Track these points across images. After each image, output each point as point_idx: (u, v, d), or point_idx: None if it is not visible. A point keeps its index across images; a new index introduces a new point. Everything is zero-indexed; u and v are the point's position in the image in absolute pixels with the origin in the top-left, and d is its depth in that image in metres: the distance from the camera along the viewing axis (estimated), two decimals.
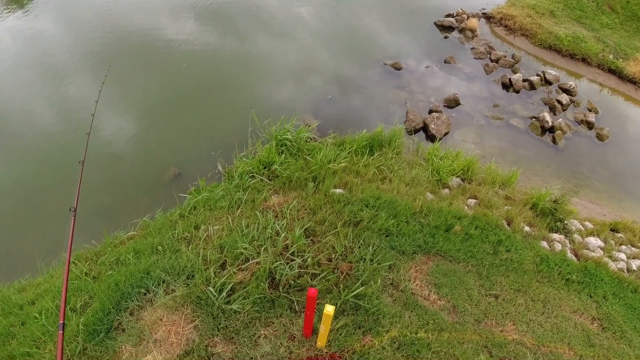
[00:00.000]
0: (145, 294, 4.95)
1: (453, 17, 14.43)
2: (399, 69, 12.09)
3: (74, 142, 9.15)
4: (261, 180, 7.19)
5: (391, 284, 5.43)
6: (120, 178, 8.60)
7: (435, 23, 14.30)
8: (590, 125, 11.50)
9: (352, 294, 4.95)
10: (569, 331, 5.72)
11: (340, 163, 7.52)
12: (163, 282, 5.02)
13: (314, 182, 7.04)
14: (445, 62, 12.74)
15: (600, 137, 11.35)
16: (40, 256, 6.33)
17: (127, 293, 4.90)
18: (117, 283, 5.04)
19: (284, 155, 7.73)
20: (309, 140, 8.53)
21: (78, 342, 4.32)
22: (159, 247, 5.58)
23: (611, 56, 13.44)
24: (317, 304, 4.58)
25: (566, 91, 12.26)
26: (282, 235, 5.61)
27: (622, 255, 7.65)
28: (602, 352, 5.62)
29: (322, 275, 5.12)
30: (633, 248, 8.15)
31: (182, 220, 6.36)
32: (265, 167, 7.55)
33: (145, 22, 12.65)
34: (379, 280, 5.30)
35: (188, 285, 4.94)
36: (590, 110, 11.95)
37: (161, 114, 10.03)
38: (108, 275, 5.30)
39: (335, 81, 11.36)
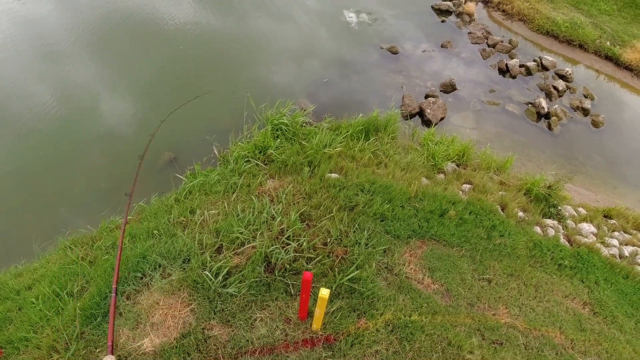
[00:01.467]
0: (141, 278, 4.97)
1: (450, 1, 14.31)
2: (395, 52, 12.02)
3: (70, 125, 9.10)
4: (257, 164, 7.19)
5: (386, 267, 5.48)
6: (114, 161, 8.56)
7: (432, 7, 14.18)
8: (586, 112, 11.52)
9: (347, 277, 4.99)
10: (561, 315, 5.81)
11: (335, 148, 7.53)
12: (159, 267, 5.04)
13: (310, 167, 7.05)
14: (442, 46, 12.67)
15: (595, 124, 11.38)
16: (36, 241, 6.34)
17: (124, 277, 4.91)
18: (114, 267, 5.05)
19: (279, 140, 7.72)
20: (304, 124, 8.51)
21: (75, 326, 4.35)
22: (155, 232, 5.59)
23: (608, 43, 13.41)
24: (312, 287, 4.62)
25: (562, 77, 12.25)
26: (278, 219, 5.63)
27: (615, 242, 7.73)
28: (593, 336, 5.72)
29: (317, 259, 5.15)
30: (625, 234, 8.24)
31: (178, 204, 6.37)
32: (260, 152, 7.54)
33: (142, 3, 12.45)
34: (374, 264, 5.34)
35: (184, 269, 4.96)
36: (586, 97, 11.96)
37: (156, 96, 9.94)
38: (104, 259, 5.32)
39: (331, 64, 11.29)
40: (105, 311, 4.48)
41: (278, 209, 5.90)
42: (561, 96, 11.87)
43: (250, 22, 12.50)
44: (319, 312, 4.01)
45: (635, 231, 8.56)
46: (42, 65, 10.53)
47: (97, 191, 8.09)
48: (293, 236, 5.41)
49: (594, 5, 14.76)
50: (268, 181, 6.77)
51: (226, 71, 10.77)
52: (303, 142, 7.67)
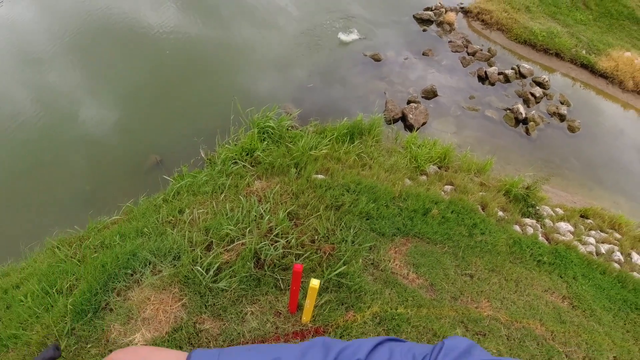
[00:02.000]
0: (132, 275, 5.02)
1: (432, 10, 14.70)
2: (378, 60, 12.29)
3: (53, 126, 9.08)
4: (244, 166, 7.30)
5: (372, 263, 5.63)
6: (100, 164, 8.58)
7: (414, 16, 14.54)
8: (562, 118, 11.93)
9: (335, 272, 5.12)
10: (541, 308, 6.03)
11: (321, 150, 7.68)
12: (149, 263, 5.10)
13: (296, 168, 7.19)
14: (423, 54, 12.99)
15: (571, 129, 11.78)
16: (23, 241, 6.32)
17: (114, 274, 4.96)
18: (104, 265, 5.10)
19: (266, 143, 7.85)
20: (290, 128, 8.66)
21: (66, 323, 4.38)
22: (145, 230, 5.64)
23: (584, 51, 13.92)
24: (302, 281, 4.74)
25: (539, 84, 12.67)
26: (267, 218, 5.74)
27: (592, 240, 8.02)
28: (572, 328, 5.94)
29: (305, 255, 5.28)
30: (602, 233, 8.55)
31: (166, 204, 6.43)
32: (247, 154, 7.66)
33: (127, 7, 12.50)
34: (360, 260, 5.49)
35: (175, 265, 5.03)
36: (562, 103, 12.39)
37: (142, 100, 10.00)
38: (94, 257, 5.35)
39: (315, 70, 11.49)
40: (97, 307, 4.53)
41: (266, 208, 6.02)
42: (538, 102, 12.26)
43: (236, 29, 12.66)
44: (309, 303, 4.13)
45: (611, 230, 8.88)
46: (24, 72, 10.50)
47: (82, 193, 8.08)
48: (281, 234, 5.53)
49: (570, 15, 15.32)
50: (256, 182, 6.88)
51: (212, 76, 10.89)
52: (289, 145, 7.81)
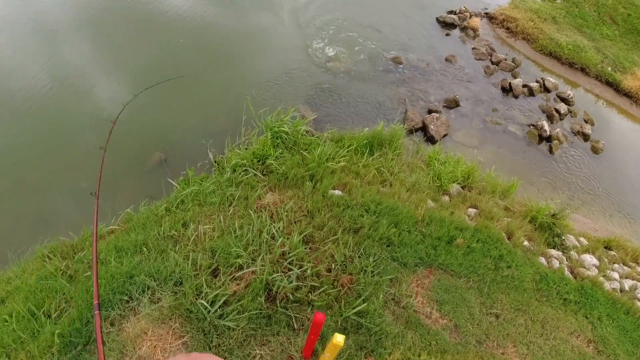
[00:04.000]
0: (128, 302, 4.52)
1: (455, 14, 14.09)
2: (399, 63, 11.72)
3: (43, 123, 8.51)
4: (255, 175, 6.77)
5: (393, 299, 5.13)
6: (100, 159, 8.00)
7: (437, 19, 13.94)
8: (586, 137, 11.39)
9: (354, 310, 4.63)
10: (567, 354, 5.56)
11: (339, 162, 7.16)
12: (148, 289, 4.60)
13: (312, 181, 6.67)
14: (446, 60, 12.41)
15: (595, 150, 11.25)
16: (11, 247, 5.81)
17: (108, 300, 4.46)
18: (98, 287, 4.59)
19: (279, 150, 7.32)
20: (305, 133, 8.12)
21: (53, 354, 3.88)
22: (144, 248, 5.13)
23: (610, 68, 13.35)
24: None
25: (564, 100, 12.12)
26: (279, 240, 5.24)
27: (616, 275, 7.54)
28: None
29: (322, 289, 4.77)
30: (625, 267, 8.07)
31: (169, 215, 5.91)
32: (259, 161, 7.14)
33: None
34: (381, 296, 4.99)
35: (176, 294, 4.53)
36: (586, 122, 11.84)
37: (150, 91, 9.40)
38: (86, 276, 4.84)
39: (331, 70, 10.90)
40: (87, 339, 4.02)
41: (279, 228, 5.51)
42: (562, 119, 11.73)
43: (255, 21, 12.06)
44: (329, 357, 3.63)
45: (634, 264, 8.40)
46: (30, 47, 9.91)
47: (78, 191, 7.52)
48: (296, 260, 5.02)
49: (596, 29, 14.72)
50: (267, 194, 6.36)
51: (227, 69, 10.30)
52: (304, 153, 7.27)
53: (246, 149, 7.45)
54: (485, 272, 6.01)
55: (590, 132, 11.50)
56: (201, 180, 6.77)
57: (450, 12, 14.13)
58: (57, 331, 3.98)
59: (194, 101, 9.24)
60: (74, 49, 10.17)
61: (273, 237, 5.37)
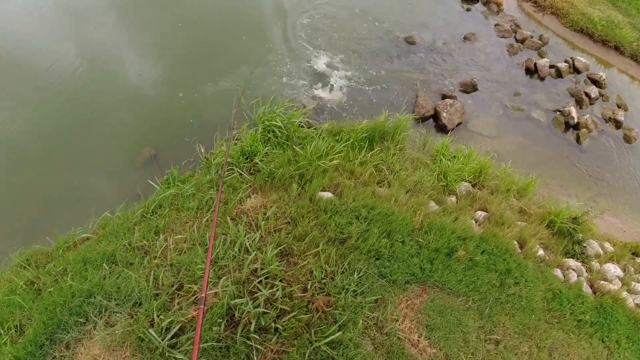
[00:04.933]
0: (84, 324, 4.16)
1: None
2: (412, 43, 10.83)
3: (42, 109, 8.16)
4: (240, 174, 6.25)
5: (375, 324, 4.60)
6: (89, 155, 7.65)
7: None
8: (618, 124, 10.34)
9: (325, 340, 4.13)
10: None
11: (332, 159, 6.55)
12: (105, 310, 4.22)
13: (300, 182, 6.11)
14: (465, 38, 11.42)
15: (627, 139, 10.21)
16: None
17: (64, 322, 4.11)
18: (55, 306, 4.25)
19: (269, 146, 6.76)
20: (302, 125, 7.51)
21: None
22: (110, 262, 4.73)
23: None
24: (282, 354, 3.77)
25: (595, 82, 11.01)
26: (252, 255, 4.74)
27: None
28: None
29: (292, 314, 4.27)
30: None
31: (144, 222, 5.48)
32: (247, 158, 6.61)
33: None
34: (360, 322, 4.46)
35: (132, 317, 4.12)
36: (619, 107, 10.75)
37: (141, 81, 8.95)
38: (48, 293, 4.50)
39: (340, 54, 10.12)
40: None
41: (254, 239, 5.01)
42: (593, 104, 10.67)
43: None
44: None
45: None
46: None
47: (66, 188, 7.20)
48: (267, 279, 4.53)
49: (632, 3, 13.30)
50: (249, 198, 5.84)
51: (227, 54, 9.68)
52: (296, 149, 6.69)
53: (235, 144, 6.92)
54: (488, 289, 5.38)
55: (622, 118, 10.43)
56: (183, 181, 6.31)
57: None
58: (13, 354, 3.65)
59: (188, 92, 8.70)
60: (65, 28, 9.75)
61: (247, 251, 4.88)
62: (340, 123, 7.82)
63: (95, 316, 4.19)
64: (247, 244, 4.89)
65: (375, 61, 10.13)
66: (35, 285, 4.87)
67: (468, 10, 12.50)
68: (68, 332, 4.11)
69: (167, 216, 5.52)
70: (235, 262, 4.67)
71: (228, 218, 5.36)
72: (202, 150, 7.24)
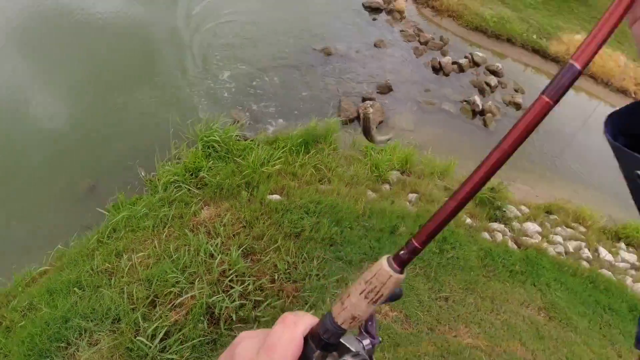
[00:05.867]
0: (66, 348, 4.24)
1: None
2: (329, 54, 11.62)
3: None
4: (189, 190, 6.51)
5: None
6: (24, 193, 7.50)
7: (363, 4, 13.93)
8: (518, 106, 11.76)
9: None
10: (519, 326, 5.71)
11: (274, 165, 7.00)
12: (85, 332, 4.32)
13: (248, 189, 6.49)
14: (375, 45, 12.43)
15: None
16: None
17: (45, 350, 4.17)
18: (32, 337, 4.28)
19: (211, 161, 7.07)
20: (239, 138, 7.89)
21: None
22: (76, 288, 4.81)
23: (535, 36, 13.81)
24: None
25: (494, 72, 12.45)
26: (218, 258, 5.05)
27: (559, 238, 7.83)
28: (551, 343, 5.66)
29: (266, 302, 4.64)
30: (568, 229, 8.39)
31: (102, 246, 5.59)
32: (192, 174, 6.87)
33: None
34: (328, 299, 4.91)
35: (114, 332, 4.27)
36: (516, 91, 12.23)
37: (69, 112, 8.87)
38: (20, 328, 4.50)
39: (262, 69, 10.65)
40: None
41: (216, 245, 5.31)
42: (493, 92, 12.05)
43: (169, 24, 11.56)
44: None
45: (575, 224, 8.75)
46: None
47: (4, 229, 7.02)
48: (237, 277, 4.86)
49: None
50: (203, 210, 6.13)
51: (150, 80, 9.84)
52: (238, 160, 7.06)
53: (177, 163, 7.16)
54: (430, 256, 6.05)
55: (521, 100, 11.87)
56: (132, 203, 6.45)
57: None
58: None
59: (120, 118, 8.78)
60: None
61: (212, 256, 5.18)
62: (274, 133, 8.30)
63: (76, 339, 4.27)
64: (211, 249, 5.18)
65: (295, 74, 10.76)
66: (3, 323, 4.83)
67: (374, 20, 13.58)
68: (53, 359, 4.18)
69: (124, 238, 5.66)
70: (204, 266, 4.95)
71: (186, 230, 5.61)
72: (143, 174, 7.40)
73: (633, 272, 8.03)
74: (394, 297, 1.02)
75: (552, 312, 6.19)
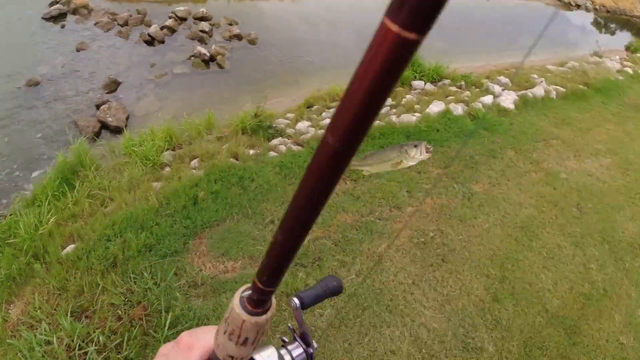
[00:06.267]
0: None
1: (58, 2, 12.83)
2: (37, 83, 10.39)
3: None
4: None
5: (189, 286, 5.19)
6: None
7: (43, 17, 12.51)
8: (239, 37, 12.36)
9: (168, 329, 4.57)
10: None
11: (49, 221, 6.38)
12: None
13: (39, 260, 5.88)
14: (78, 50, 11.50)
15: (252, 42, 12.36)
16: None
17: None
18: None
19: None
20: None
21: None
22: None
23: None
24: None
25: (202, 19, 12.71)
26: (54, 342, 4.63)
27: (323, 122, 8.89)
28: None
29: (124, 340, 4.51)
30: (331, 110, 9.51)
31: None
32: None
33: None
34: (178, 294, 4.99)
35: None
36: (230, 25, 12.76)
37: None
38: None
39: None
40: None
41: (45, 331, 4.83)
42: (211, 36, 12.38)
43: None
44: None
45: (335, 102, 9.92)
46: None
47: None
48: (83, 342, 4.57)
49: None
50: (10, 310, 5.40)
51: None
52: (9, 241, 6.26)
53: None
54: (238, 199, 6.44)
55: (239, 31, 12.49)
56: None
57: (53, 3, 12.82)
58: None
59: None
60: None
61: (48, 343, 4.72)
62: (30, 192, 7.45)
63: None
64: (42, 340, 4.71)
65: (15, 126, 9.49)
66: None
67: (64, 27, 12.40)
68: None
69: None
70: (49, 357, 4.51)
71: (8, 340, 4.95)
72: None
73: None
74: (334, 292, 1.09)
75: None
